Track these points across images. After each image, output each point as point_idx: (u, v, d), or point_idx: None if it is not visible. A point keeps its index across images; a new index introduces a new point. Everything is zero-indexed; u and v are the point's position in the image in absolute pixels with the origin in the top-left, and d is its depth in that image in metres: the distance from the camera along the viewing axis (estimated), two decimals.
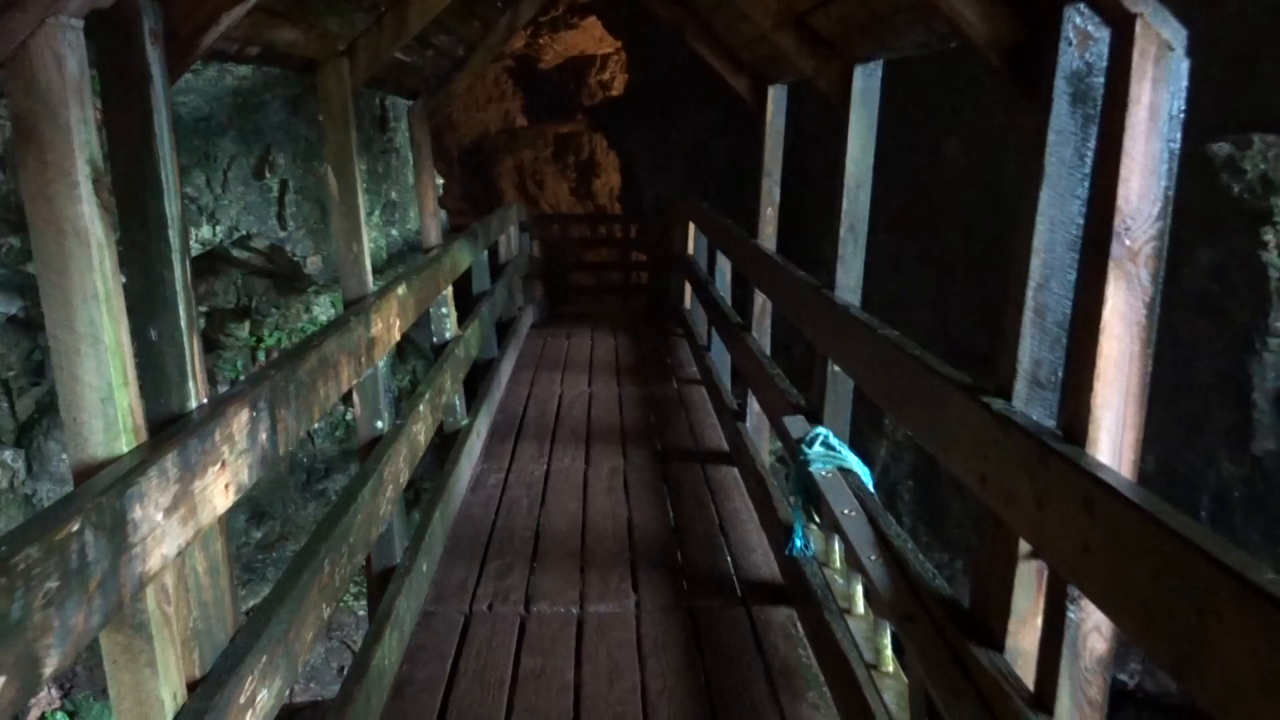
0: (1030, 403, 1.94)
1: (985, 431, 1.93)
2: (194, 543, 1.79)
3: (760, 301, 5.09)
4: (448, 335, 5.10)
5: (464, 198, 21.33)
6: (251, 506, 6.43)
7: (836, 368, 3.41)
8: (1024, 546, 1.87)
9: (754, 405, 5.17)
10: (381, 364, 3.42)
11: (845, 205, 3.37)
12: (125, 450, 1.65)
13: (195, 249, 5.08)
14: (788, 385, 4.10)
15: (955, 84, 8.63)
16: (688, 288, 8.90)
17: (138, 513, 1.52)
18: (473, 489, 4.92)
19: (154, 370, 1.89)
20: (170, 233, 1.85)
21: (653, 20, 13.32)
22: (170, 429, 1.80)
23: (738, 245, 5.58)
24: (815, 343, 3.55)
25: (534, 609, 3.70)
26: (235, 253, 5.33)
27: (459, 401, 5.16)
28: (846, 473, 3.00)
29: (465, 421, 5.23)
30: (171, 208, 1.85)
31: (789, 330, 5.24)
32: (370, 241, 6.55)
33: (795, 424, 3.41)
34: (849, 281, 3.43)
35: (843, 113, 3.36)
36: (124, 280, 1.88)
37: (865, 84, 3.30)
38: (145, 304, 1.87)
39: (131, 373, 1.68)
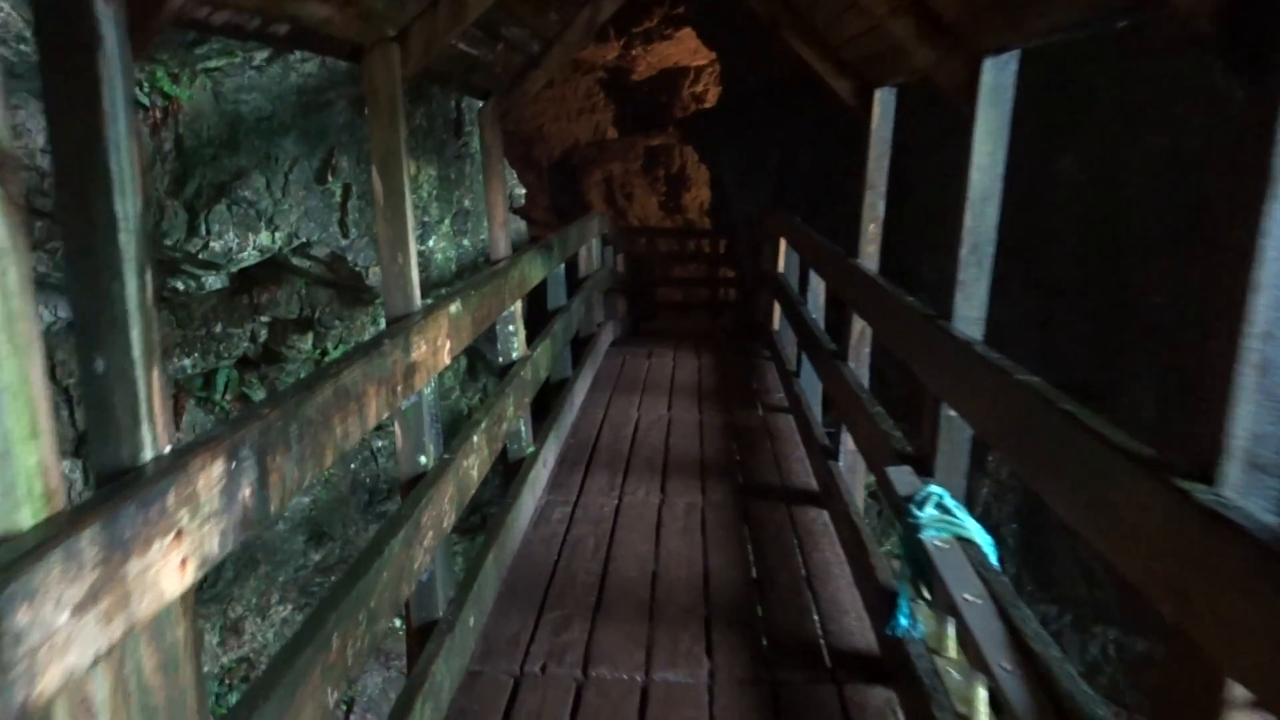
0: (1247, 492, 1.42)
1: (1182, 530, 1.42)
2: (131, 639, 1.38)
3: (859, 328, 4.58)
4: (514, 355, 4.71)
5: (553, 209, 21.17)
6: (310, 528, 6.13)
7: (952, 412, 2.90)
8: (1239, 690, 1.35)
9: (848, 442, 4.66)
10: (427, 390, 3.02)
11: (968, 222, 2.86)
12: (29, 525, 1.25)
13: (253, 256, 4.79)
14: (890, 426, 3.58)
15: (1071, 96, 7.99)
16: (777, 307, 8.40)
17: (23, 616, 1.11)
18: (535, 524, 4.51)
19: (100, 411, 1.49)
20: (122, 237, 1.46)
21: (746, 31, 12.91)
22: (98, 493, 1.40)
23: (834, 264, 5.08)
24: (926, 381, 3.04)
25: (593, 673, 3.25)
26: (295, 261, 5.02)
27: (524, 427, 4.76)
28: (966, 543, 2.49)
29: (530, 450, 4.82)
30: (126, 205, 1.46)
31: (883, 356, 4.72)
32: (439, 252, 6.25)
33: (902, 477, 2.90)
34: (971, 311, 2.91)
35: (968, 114, 2.86)
36: (70, 298, 1.50)
37: (996, 79, 2.79)
38: (91, 327, 1.48)
39: (45, 421, 1.27)
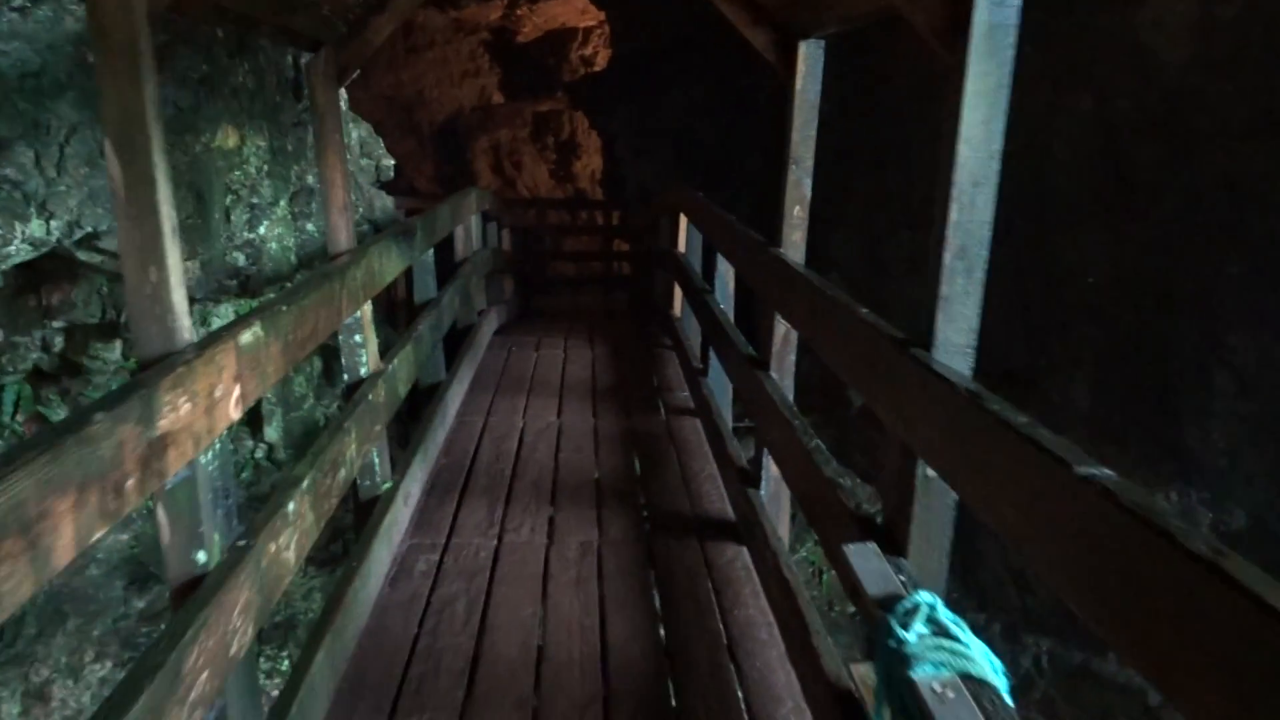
0: None
1: None
2: None
3: (782, 331, 3.81)
4: (363, 372, 3.80)
5: (438, 178, 20.09)
6: (132, 570, 5.13)
7: (932, 472, 2.15)
8: None
9: (771, 468, 3.91)
10: (205, 459, 2.13)
11: (953, 216, 2.09)
12: None
13: (24, 251, 3.75)
14: (835, 470, 2.81)
15: None
16: (677, 291, 7.63)
17: None
18: (393, 582, 3.63)
19: None
20: None
21: None
22: None
23: (749, 253, 4.30)
24: (895, 430, 2.27)
25: None
26: (83, 255, 3.99)
27: (378, 459, 3.87)
28: (978, 684, 1.74)
29: (387, 485, 3.93)
30: None
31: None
32: (273, 240, 5.24)
33: (869, 565, 2.13)
34: (957, 337, 2.15)
35: (952, 67, 2.08)
36: None
37: (994, 18, 2.02)
38: None
39: None
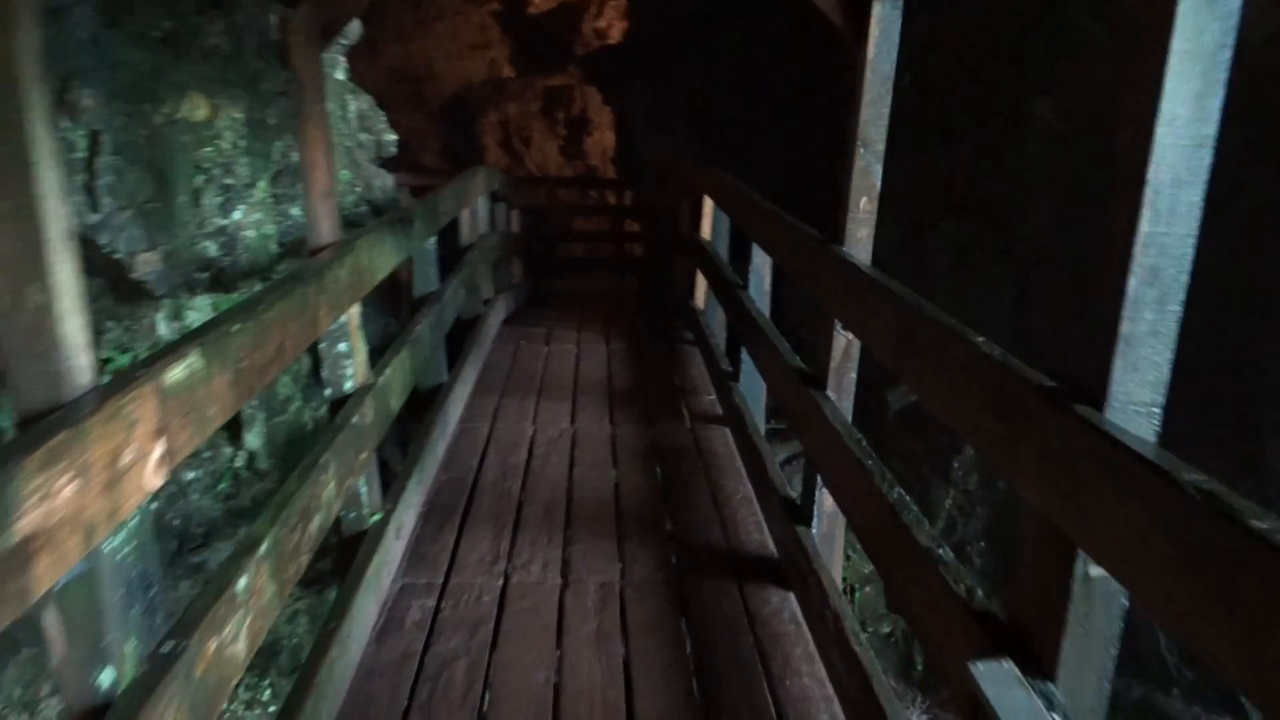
0: None
1: None
2: None
3: (842, 344, 3.24)
4: (349, 386, 3.23)
5: (445, 154, 19.52)
6: None
7: (1098, 570, 1.58)
8: None
9: (826, 501, 3.34)
10: (115, 541, 1.57)
11: (1144, 225, 1.51)
12: None
13: None
14: (932, 537, 2.23)
15: (1048, 31, 6.75)
16: (700, 280, 7.05)
17: None
18: (380, 635, 3.08)
19: None
20: None
21: None
22: None
23: (802, 251, 3.71)
24: (1049, 513, 1.68)
25: None
26: None
27: (366, 487, 3.31)
28: None
29: (376, 517, 3.37)
30: None
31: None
32: (251, 227, 4.65)
33: (1009, 697, 1.56)
34: (1143, 392, 1.57)
35: (1145, 20, 1.50)
36: None
37: None
38: None
39: None
